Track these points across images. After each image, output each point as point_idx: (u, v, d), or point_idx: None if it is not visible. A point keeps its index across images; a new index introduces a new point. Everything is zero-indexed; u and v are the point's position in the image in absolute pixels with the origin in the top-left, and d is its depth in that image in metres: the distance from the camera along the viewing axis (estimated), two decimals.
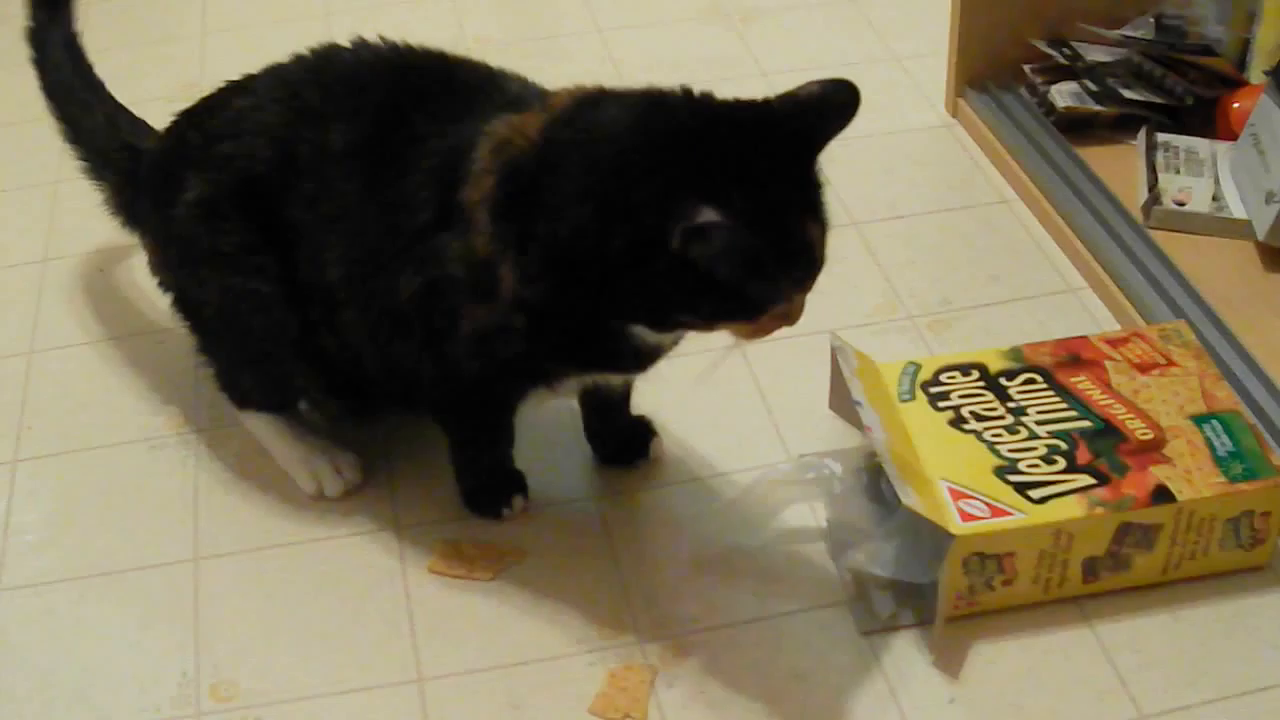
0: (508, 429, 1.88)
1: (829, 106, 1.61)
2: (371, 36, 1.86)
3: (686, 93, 1.62)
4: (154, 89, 2.72)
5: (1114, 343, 1.91)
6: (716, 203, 1.48)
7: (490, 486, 1.91)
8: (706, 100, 1.61)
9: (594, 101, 1.66)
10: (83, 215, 2.17)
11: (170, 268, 1.95)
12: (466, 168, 1.66)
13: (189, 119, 1.94)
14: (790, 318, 1.61)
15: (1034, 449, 1.77)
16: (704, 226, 1.48)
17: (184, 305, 1.97)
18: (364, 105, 1.79)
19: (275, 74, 1.87)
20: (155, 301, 2.11)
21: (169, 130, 1.97)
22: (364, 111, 1.79)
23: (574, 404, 1.94)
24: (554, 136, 1.62)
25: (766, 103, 1.61)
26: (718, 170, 1.53)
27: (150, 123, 2.09)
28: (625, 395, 1.92)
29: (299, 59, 1.87)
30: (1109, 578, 1.74)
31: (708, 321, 1.60)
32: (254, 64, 1.90)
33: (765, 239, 1.52)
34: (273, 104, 1.83)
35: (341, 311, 1.81)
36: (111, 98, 2.16)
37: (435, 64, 1.84)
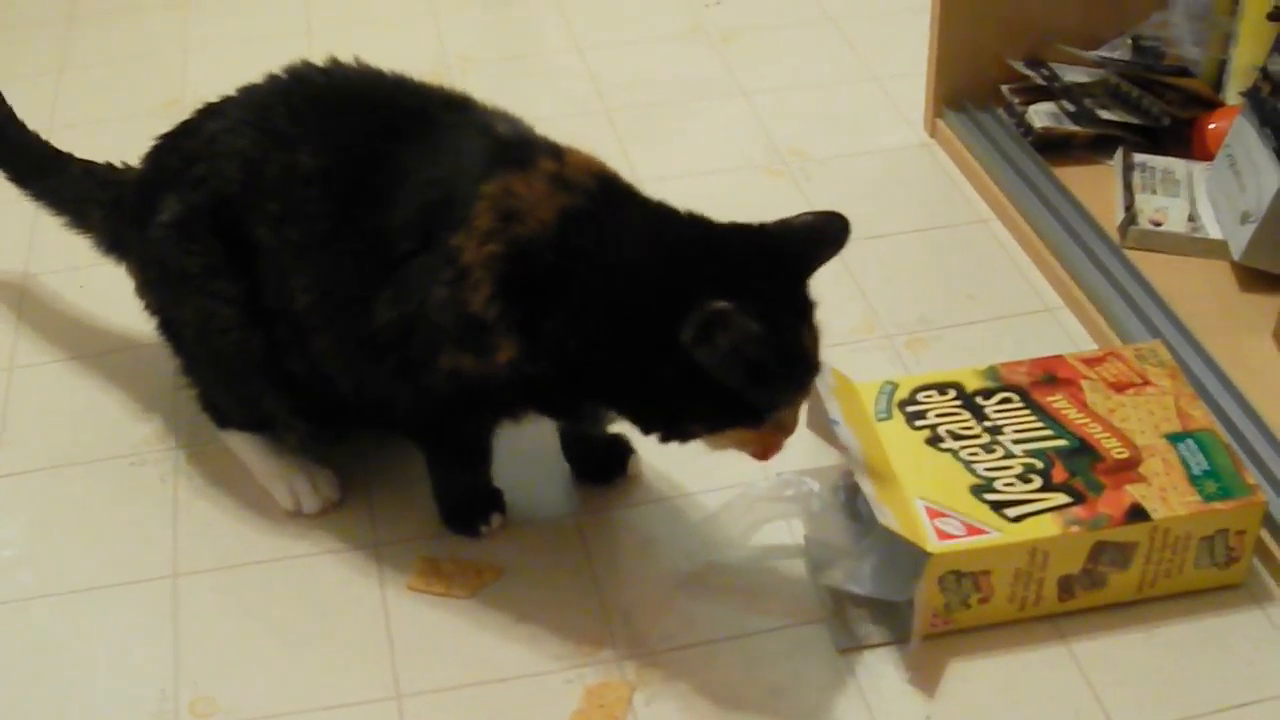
0: (485, 449, 1.88)
1: (820, 234, 1.70)
2: (346, 58, 1.86)
3: (692, 216, 1.70)
4: (135, 106, 2.73)
5: (1090, 362, 1.92)
6: (728, 297, 1.58)
7: (468, 504, 1.91)
8: (710, 224, 1.70)
9: (611, 202, 1.71)
10: (62, 231, 2.17)
11: (150, 290, 1.96)
12: (460, 215, 1.67)
13: (167, 143, 1.95)
14: (788, 427, 1.71)
15: (1010, 468, 1.77)
16: (719, 313, 1.57)
17: (166, 327, 1.97)
18: (336, 130, 1.80)
19: (248, 95, 1.89)
20: (135, 318, 2.10)
21: (148, 155, 1.98)
22: (336, 136, 1.80)
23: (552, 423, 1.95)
24: (573, 237, 1.66)
25: (762, 227, 1.70)
26: (724, 280, 1.62)
27: (131, 140, 2.09)
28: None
29: (272, 79, 1.88)
30: (1084, 596, 1.75)
31: (714, 430, 1.69)
32: (235, 81, 1.91)
33: (769, 341, 1.60)
34: (244, 125, 1.84)
35: (312, 338, 1.81)
36: (83, 159, 2.16)
37: (413, 92, 1.85)
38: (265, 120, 1.83)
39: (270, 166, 1.80)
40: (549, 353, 1.66)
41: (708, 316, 1.56)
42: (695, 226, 1.69)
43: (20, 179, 2.20)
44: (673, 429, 1.71)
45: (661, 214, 1.71)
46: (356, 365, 1.80)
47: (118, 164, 2.08)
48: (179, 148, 1.91)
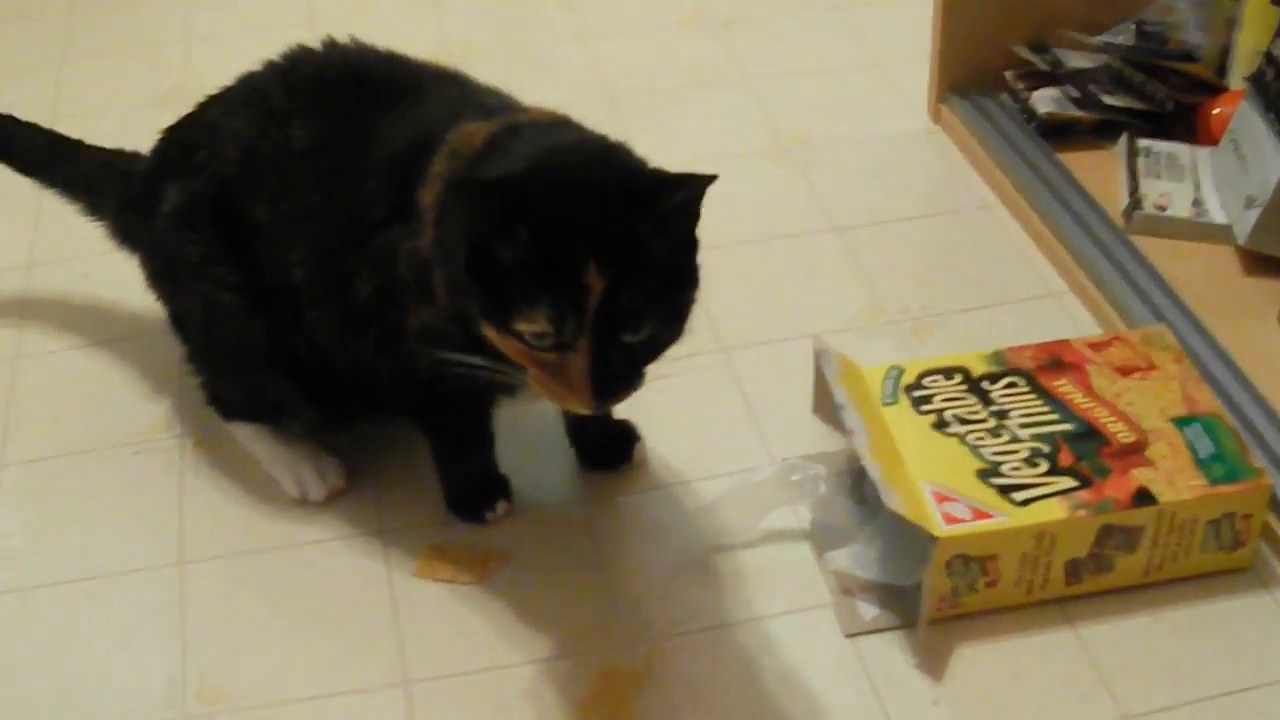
0: (483, 432, 1.88)
1: (674, 182, 1.55)
2: (342, 38, 1.87)
3: (596, 140, 1.64)
4: (138, 95, 2.73)
5: (1096, 346, 1.92)
6: (495, 180, 1.54)
7: (473, 490, 1.91)
8: (609, 149, 1.62)
9: (542, 124, 1.68)
10: (68, 221, 2.17)
11: (158, 281, 1.97)
12: (426, 170, 1.67)
13: (170, 134, 1.97)
14: (564, 378, 1.54)
15: (1016, 452, 1.77)
16: (466, 180, 1.54)
17: (173, 317, 1.99)
18: (328, 104, 1.81)
19: (246, 81, 1.91)
20: (140, 307, 2.11)
21: (154, 148, 1.99)
22: (328, 110, 1.81)
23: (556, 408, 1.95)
24: (485, 153, 1.63)
25: (654, 173, 1.59)
26: (533, 183, 1.54)
27: (133, 130, 2.09)
28: None
29: (269, 64, 1.89)
30: (1091, 580, 1.75)
31: (475, 308, 1.56)
32: (237, 70, 1.91)
33: (529, 243, 1.50)
34: (242, 109, 1.86)
35: (308, 311, 1.82)
36: (96, 146, 2.16)
37: (406, 66, 1.86)
38: (262, 101, 1.85)
39: (266, 144, 1.81)
40: (457, 275, 1.60)
41: (454, 181, 1.55)
42: (584, 146, 1.63)
43: (29, 171, 2.20)
44: (462, 305, 1.60)
45: (571, 131, 1.67)
46: (346, 339, 1.80)
47: (130, 151, 2.08)
48: (181, 138, 1.93)
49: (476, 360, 1.60)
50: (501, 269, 1.51)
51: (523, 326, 1.52)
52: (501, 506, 1.90)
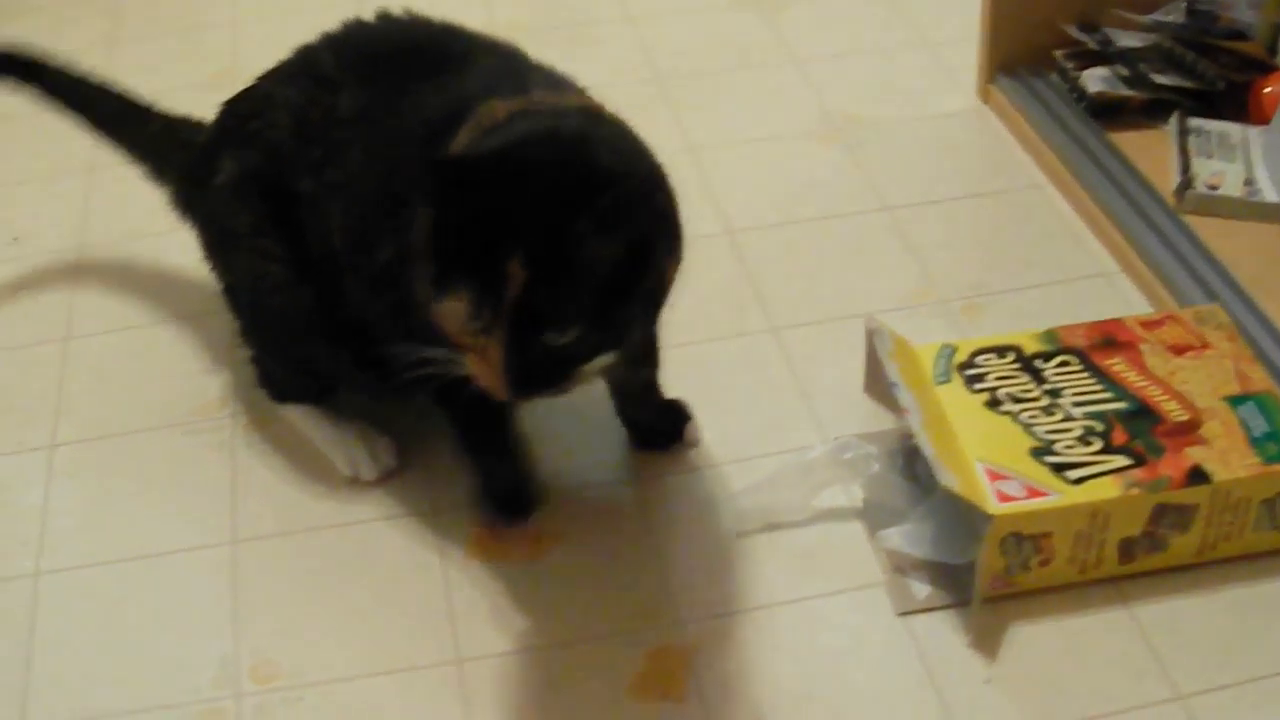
0: (506, 431, 1.86)
1: (594, 182, 1.50)
2: (396, 10, 1.87)
3: (583, 130, 1.60)
4: (186, 77, 2.74)
5: (1149, 325, 1.91)
6: (446, 159, 1.54)
7: (503, 496, 1.90)
8: (590, 141, 1.58)
9: (565, 106, 1.67)
10: (116, 202, 2.18)
11: (211, 252, 1.97)
12: (451, 141, 1.65)
13: (228, 106, 1.97)
14: (483, 356, 1.52)
15: (1070, 430, 1.77)
16: (442, 161, 1.53)
17: (226, 291, 1.99)
18: (377, 74, 1.81)
19: (301, 52, 1.91)
20: (190, 287, 2.12)
21: (213, 121, 1.99)
22: (375, 79, 1.80)
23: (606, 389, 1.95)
24: (501, 127, 1.61)
25: (591, 170, 1.53)
26: (486, 166, 1.53)
27: (192, 115, 2.10)
28: (650, 381, 1.92)
29: (324, 35, 1.90)
30: (1145, 558, 1.74)
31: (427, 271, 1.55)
32: (285, 51, 1.91)
33: (466, 223, 1.49)
34: (295, 78, 1.87)
35: (345, 277, 1.82)
36: (164, 112, 2.17)
37: (457, 39, 1.86)
38: (314, 69, 1.85)
39: (315, 111, 1.81)
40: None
41: (434, 162, 1.52)
42: (557, 131, 1.58)
43: (100, 127, 2.20)
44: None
45: (573, 119, 1.62)
46: (368, 305, 1.79)
47: (195, 120, 2.09)
48: (237, 109, 1.93)
49: (437, 350, 1.58)
50: (450, 243, 1.50)
51: (450, 303, 1.50)
52: (533, 519, 1.88)
